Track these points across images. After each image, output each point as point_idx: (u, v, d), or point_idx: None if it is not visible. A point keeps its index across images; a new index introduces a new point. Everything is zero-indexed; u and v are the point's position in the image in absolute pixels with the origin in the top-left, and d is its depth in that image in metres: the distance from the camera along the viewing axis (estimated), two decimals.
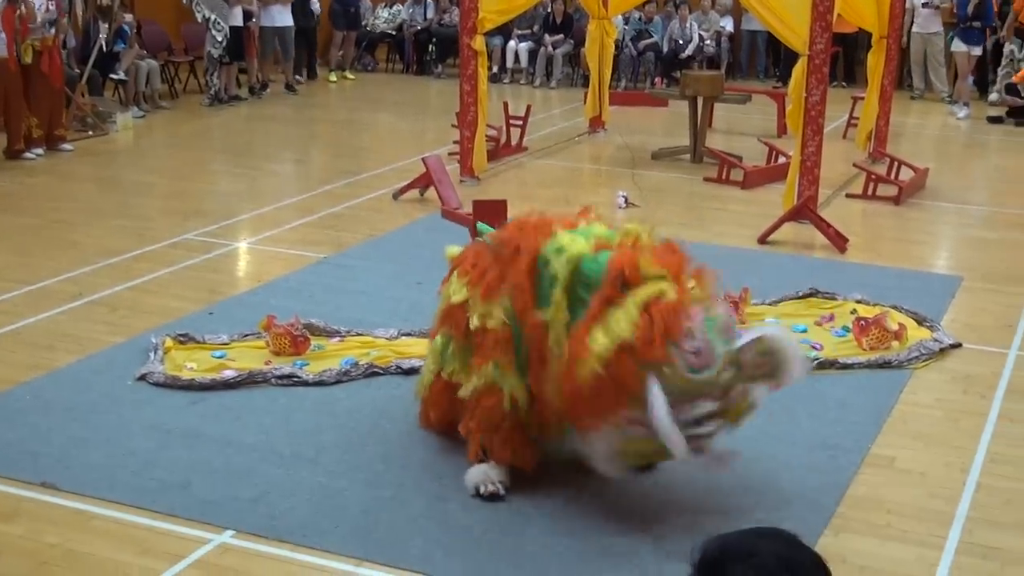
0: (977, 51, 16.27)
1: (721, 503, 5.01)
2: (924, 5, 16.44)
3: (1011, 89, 15.72)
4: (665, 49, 17.42)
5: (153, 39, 15.44)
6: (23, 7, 11.66)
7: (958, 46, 16.27)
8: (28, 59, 11.77)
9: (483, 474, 5.09)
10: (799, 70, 9.70)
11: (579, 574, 4.57)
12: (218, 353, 6.69)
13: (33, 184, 10.90)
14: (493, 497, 5.05)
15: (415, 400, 5.75)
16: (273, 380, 6.34)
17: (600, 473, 4.85)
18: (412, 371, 6.52)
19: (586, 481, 5.02)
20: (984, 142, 14.65)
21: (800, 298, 7.72)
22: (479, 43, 11.28)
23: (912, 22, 16.68)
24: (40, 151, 11.91)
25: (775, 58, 17.93)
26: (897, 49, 13.30)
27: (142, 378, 6.30)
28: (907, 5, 15.94)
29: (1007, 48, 16.27)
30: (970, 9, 16.04)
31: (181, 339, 6.80)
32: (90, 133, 13.01)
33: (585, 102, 14.09)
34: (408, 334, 7.04)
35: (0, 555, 4.62)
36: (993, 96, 16.52)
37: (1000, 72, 16.35)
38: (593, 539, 4.77)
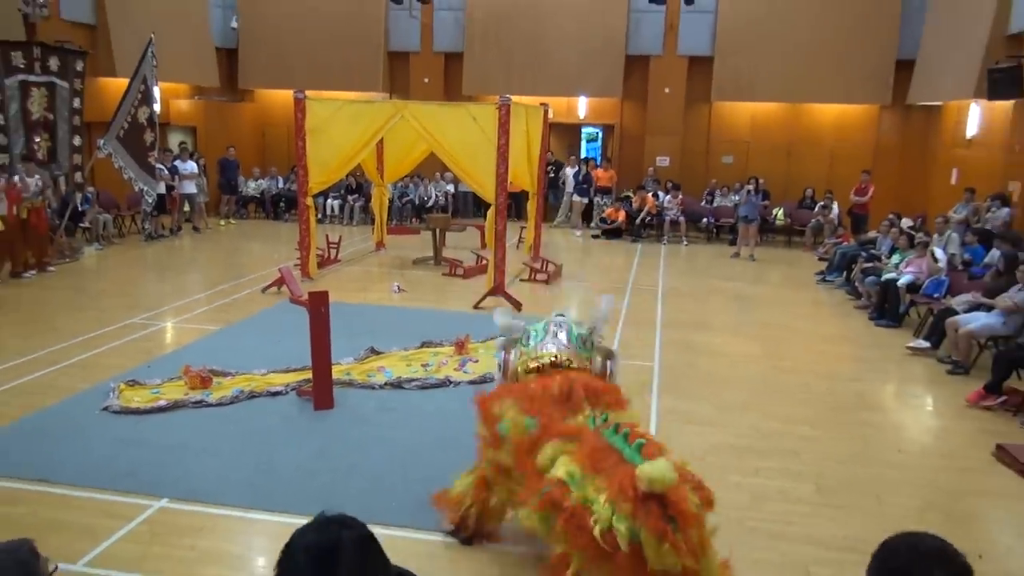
0: (585, 200, 17.20)
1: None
2: (574, 176, 17.17)
3: (603, 220, 16.68)
4: (417, 202, 17.60)
5: (107, 201, 14.52)
6: (19, 183, 10.99)
7: (576, 197, 17.17)
8: (24, 215, 10.98)
9: None
10: (491, 212, 10.03)
11: None
12: (154, 390, 6.37)
13: (29, 293, 9.98)
14: None
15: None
16: (190, 405, 6.13)
17: None
18: (277, 393, 6.39)
19: None
20: (590, 249, 15.40)
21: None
22: (310, 201, 11.13)
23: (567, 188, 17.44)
24: (33, 272, 11.01)
25: (477, 206, 18.13)
26: (542, 201, 13.86)
27: (105, 409, 5.96)
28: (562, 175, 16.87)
29: (597, 199, 17.28)
30: (581, 177, 16.97)
31: (129, 383, 6.47)
32: (67, 260, 12.02)
33: (373, 233, 14.09)
34: (274, 371, 6.87)
35: (8, 527, 4.21)
36: (593, 224, 17.47)
37: (595, 212, 17.32)
38: None
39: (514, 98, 10.36)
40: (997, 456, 5.70)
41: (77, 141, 13.48)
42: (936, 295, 9.34)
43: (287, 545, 1.61)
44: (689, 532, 2.82)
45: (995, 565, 4.26)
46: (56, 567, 1.92)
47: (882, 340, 8.96)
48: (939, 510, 4.89)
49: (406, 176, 16.29)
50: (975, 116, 13.95)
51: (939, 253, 9.92)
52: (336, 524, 1.61)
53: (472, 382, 6.74)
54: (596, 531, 2.83)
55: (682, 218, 16.13)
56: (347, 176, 16.38)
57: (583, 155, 19.15)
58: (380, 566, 1.62)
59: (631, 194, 16.91)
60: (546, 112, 13.39)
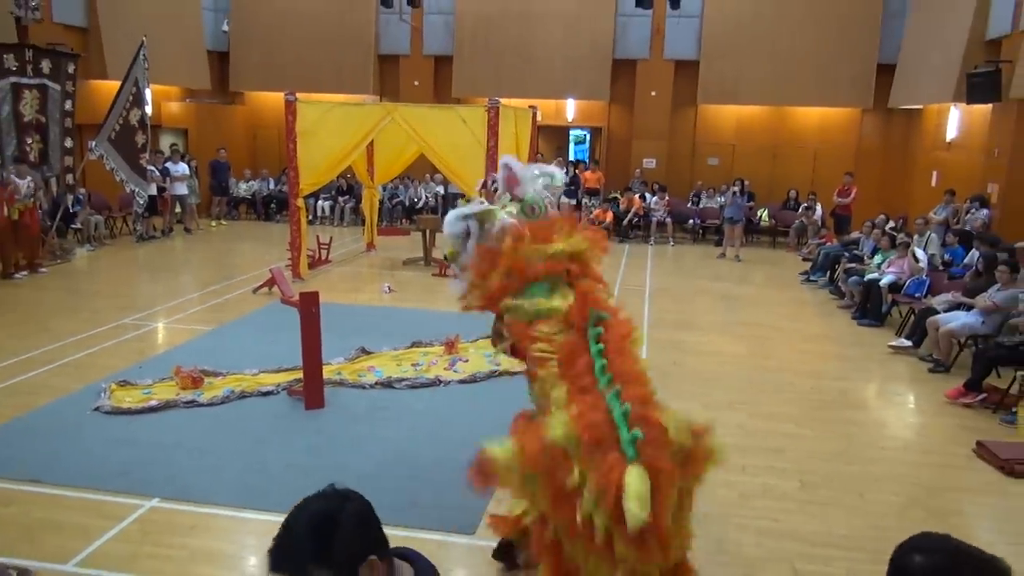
0: (573, 202, 17.16)
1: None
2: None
3: (591, 221, 16.63)
4: (407, 203, 17.53)
5: (99, 202, 14.41)
6: (12, 185, 10.91)
7: (564, 199, 17.10)
8: (15, 216, 10.86)
9: None
10: None
11: None
12: (145, 391, 6.31)
13: (21, 293, 9.88)
14: None
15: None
16: (181, 405, 6.06)
17: None
18: (268, 393, 6.34)
19: None
20: None
21: (488, 338, 7.90)
22: (301, 202, 11.07)
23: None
24: (24, 273, 10.90)
25: None
26: None
27: (96, 409, 5.91)
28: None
29: (585, 200, 17.28)
30: (568, 180, 16.93)
31: (121, 383, 6.41)
32: (58, 261, 11.92)
33: (363, 234, 14.04)
34: (264, 371, 6.82)
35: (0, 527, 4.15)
36: None
37: (583, 213, 17.29)
38: None
39: (503, 101, 10.37)
40: (977, 452, 5.74)
41: (69, 143, 13.39)
42: (917, 295, 9.38)
43: (293, 510, 1.67)
44: (667, 549, 2.76)
45: None
46: (16, 574, 1.90)
47: (865, 339, 9.00)
48: (921, 506, 4.91)
49: (396, 178, 16.25)
50: (955, 119, 14.04)
51: (920, 254, 9.98)
52: (341, 497, 1.71)
53: (462, 381, 6.72)
54: (578, 516, 2.80)
55: (669, 219, 16.15)
56: (338, 178, 16.30)
57: (571, 157, 19.15)
58: (376, 540, 1.68)
59: (619, 195, 16.91)
60: (534, 115, 13.37)
